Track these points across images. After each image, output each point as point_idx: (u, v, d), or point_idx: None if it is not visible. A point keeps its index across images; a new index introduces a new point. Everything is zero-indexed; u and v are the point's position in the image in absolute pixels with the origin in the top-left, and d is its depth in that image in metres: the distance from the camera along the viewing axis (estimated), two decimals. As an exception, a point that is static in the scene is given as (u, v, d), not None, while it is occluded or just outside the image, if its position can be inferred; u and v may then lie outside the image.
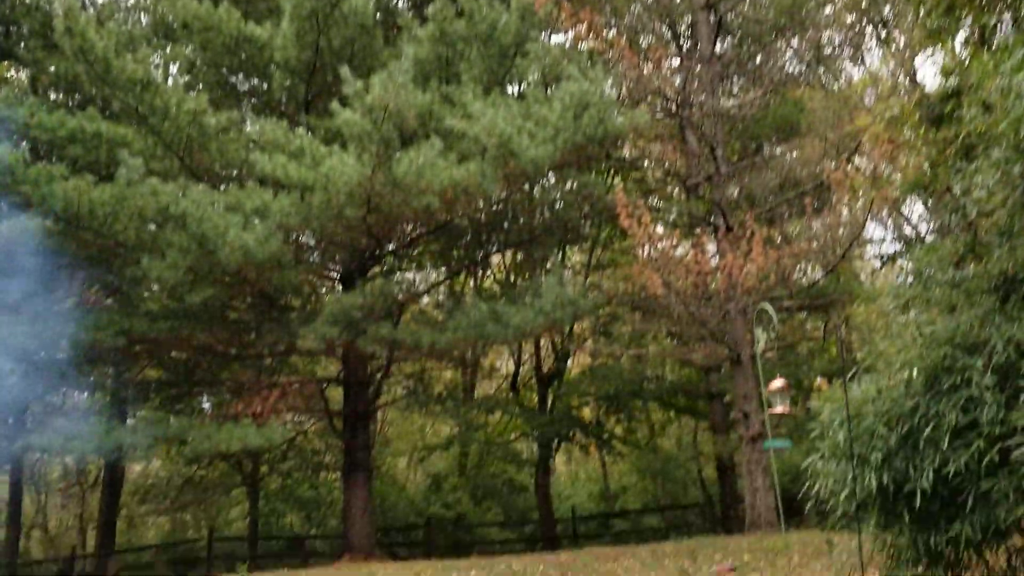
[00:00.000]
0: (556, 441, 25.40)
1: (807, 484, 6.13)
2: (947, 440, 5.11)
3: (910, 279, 6.86)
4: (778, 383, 7.21)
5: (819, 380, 21.06)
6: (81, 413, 20.71)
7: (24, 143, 16.12)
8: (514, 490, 26.52)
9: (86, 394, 22.64)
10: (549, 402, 25.27)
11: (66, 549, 24.78)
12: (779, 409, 7.27)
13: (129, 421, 20.56)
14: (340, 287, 18.41)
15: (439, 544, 21.56)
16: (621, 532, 23.15)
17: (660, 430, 30.42)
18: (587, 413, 27.40)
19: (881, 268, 20.76)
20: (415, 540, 22.89)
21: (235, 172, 16.41)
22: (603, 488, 31.40)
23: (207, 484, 26.01)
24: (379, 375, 20.00)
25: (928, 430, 5.24)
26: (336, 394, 20.76)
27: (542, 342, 25.65)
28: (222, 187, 15.44)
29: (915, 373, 5.50)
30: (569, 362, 26.76)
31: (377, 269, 18.01)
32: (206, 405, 21.35)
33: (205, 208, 13.45)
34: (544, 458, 25.60)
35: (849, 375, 5.97)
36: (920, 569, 5.49)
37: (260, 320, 17.26)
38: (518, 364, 27.28)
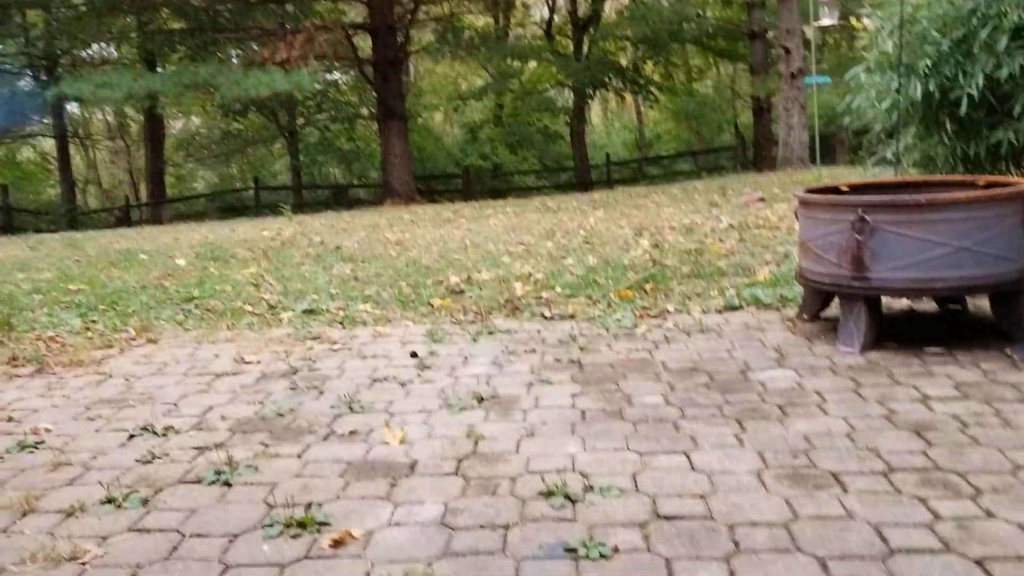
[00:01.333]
0: (591, 89, 24.94)
1: (849, 98, 5.92)
2: (1005, 41, 4.78)
3: None
4: (829, -7, 6.71)
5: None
6: (111, 66, 20.56)
7: None
8: (549, 139, 26.61)
9: (113, 47, 22.36)
10: (585, 48, 24.45)
11: (121, 201, 25.97)
12: (826, 22, 6.82)
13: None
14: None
15: (477, 191, 22.15)
16: (655, 177, 23.50)
17: (698, 74, 29.72)
18: (623, 59, 26.60)
19: None
20: (454, 188, 23.51)
21: None
22: (637, 137, 31.47)
23: (246, 137, 26.49)
24: (407, 19, 19.37)
25: (985, 32, 4.90)
26: (365, 44, 20.21)
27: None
28: None
29: (980, -30, 5.02)
30: (606, 5, 25.43)
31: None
32: (234, 60, 21.02)
33: None
34: (579, 106, 25.37)
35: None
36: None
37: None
38: (552, 8, 26.04)
